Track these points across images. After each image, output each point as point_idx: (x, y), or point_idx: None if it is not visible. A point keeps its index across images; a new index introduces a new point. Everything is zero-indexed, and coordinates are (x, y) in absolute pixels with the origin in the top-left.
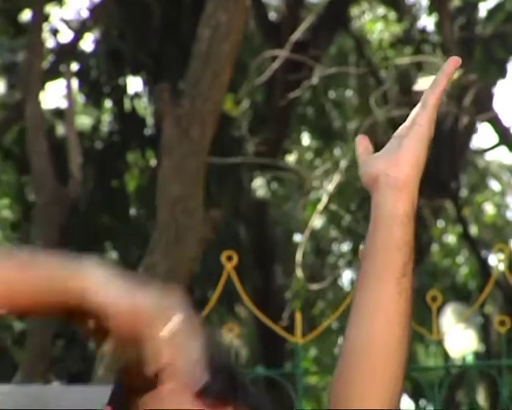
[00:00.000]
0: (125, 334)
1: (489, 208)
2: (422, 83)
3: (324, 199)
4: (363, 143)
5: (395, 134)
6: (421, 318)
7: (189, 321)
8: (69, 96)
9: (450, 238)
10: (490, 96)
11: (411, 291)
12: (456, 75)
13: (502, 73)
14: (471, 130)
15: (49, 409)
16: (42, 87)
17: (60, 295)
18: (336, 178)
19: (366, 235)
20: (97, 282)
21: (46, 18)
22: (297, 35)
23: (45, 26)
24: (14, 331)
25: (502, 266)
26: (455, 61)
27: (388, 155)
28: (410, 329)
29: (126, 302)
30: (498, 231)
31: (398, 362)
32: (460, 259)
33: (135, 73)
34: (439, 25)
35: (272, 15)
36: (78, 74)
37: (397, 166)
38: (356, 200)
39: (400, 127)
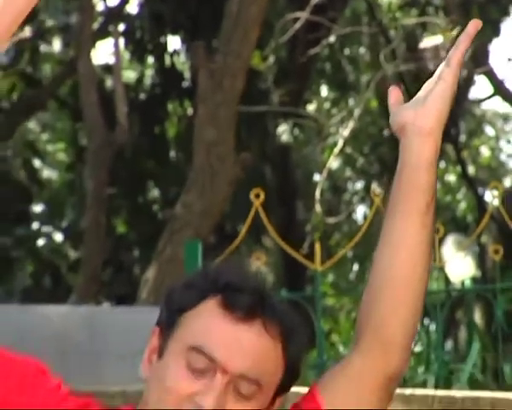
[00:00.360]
0: None
1: (485, 151)
2: (427, 42)
3: (340, 143)
4: (394, 94)
5: (423, 87)
6: None
7: None
8: (116, 53)
9: (451, 178)
10: (486, 53)
11: (433, 229)
12: (455, 34)
13: (496, 32)
14: (469, 82)
15: (99, 327)
16: (92, 45)
17: None
18: (351, 125)
19: (378, 174)
20: None
21: None
22: None
23: None
24: (69, 259)
25: (496, 202)
26: (476, 23)
27: (416, 107)
28: (431, 263)
29: None
30: (493, 171)
31: (417, 294)
32: (459, 196)
33: (174, 32)
34: None
35: None
36: (124, 34)
37: (423, 117)
38: (368, 144)
39: (427, 82)
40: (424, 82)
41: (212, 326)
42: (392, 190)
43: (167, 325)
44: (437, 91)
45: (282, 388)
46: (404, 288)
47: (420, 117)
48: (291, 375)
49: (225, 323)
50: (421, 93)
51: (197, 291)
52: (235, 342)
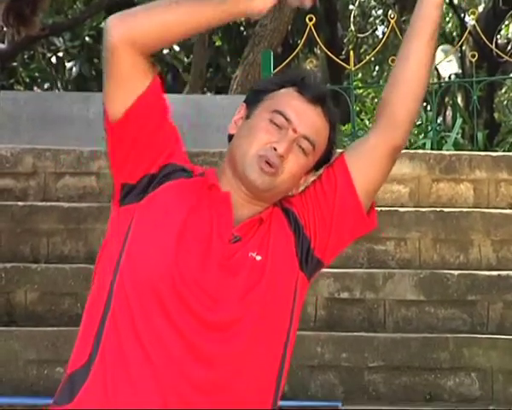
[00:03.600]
0: None
1: None
2: None
3: None
4: None
5: None
6: None
7: None
8: None
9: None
10: None
11: (435, 50)
12: None
13: None
14: None
15: (204, 109)
16: None
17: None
18: None
19: (393, 4)
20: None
21: None
22: None
23: None
24: (183, 63)
25: (472, 22)
26: None
27: None
28: (431, 70)
29: None
30: (471, 1)
31: (421, 90)
32: (447, 19)
33: None
34: None
35: None
36: None
37: None
38: None
39: None
40: None
41: (291, 101)
42: (412, 20)
43: (254, 101)
44: None
45: (318, 164)
46: (413, 84)
47: None
48: (328, 155)
49: (300, 101)
50: None
51: (280, 81)
52: (304, 114)
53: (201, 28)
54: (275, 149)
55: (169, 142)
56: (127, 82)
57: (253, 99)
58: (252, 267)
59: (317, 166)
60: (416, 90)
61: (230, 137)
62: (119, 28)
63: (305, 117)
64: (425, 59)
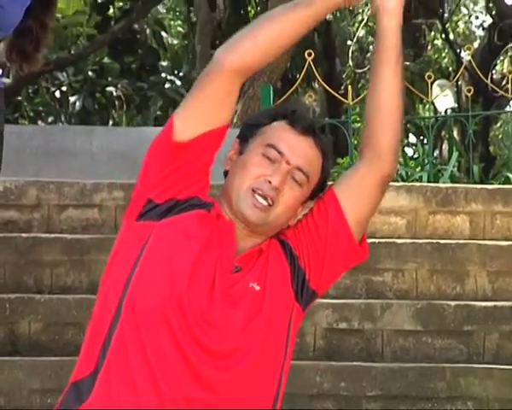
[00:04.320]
0: None
1: (461, 24)
2: None
3: (365, 19)
4: None
5: None
6: (422, 89)
7: None
8: None
9: (439, 42)
10: None
11: (402, 74)
12: None
13: None
14: None
15: None
16: None
17: (333, 6)
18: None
19: (374, 40)
20: None
21: None
22: None
23: None
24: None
25: (468, 58)
26: None
27: None
28: (403, 97)
29: None
30: (466, 37)
31: (397, 117)
32: (444, 54)
33: None
34: None
35: None
36: None
37: (388, 1)
38: None
39: None
40: None
41: (283, 134)
42: (375, 51)
43: (246, 136)
44: None
45: (314, 193)
46: (387, 114)
47: (385, 2)
48: (322, 184)
49: (291, 133)
50: None
51: (271, 115)
52: (297, 146)
53: (304, 31)
54: (269, 183)
55: (205, 178)
56: (213, 110)
57: (246, 134)
58: (252, 298)
59: (312, 196)
60: (392, 116)
61: (226, 173)
62: (231, 57)
63: (298, 149)
64: (394, 85)
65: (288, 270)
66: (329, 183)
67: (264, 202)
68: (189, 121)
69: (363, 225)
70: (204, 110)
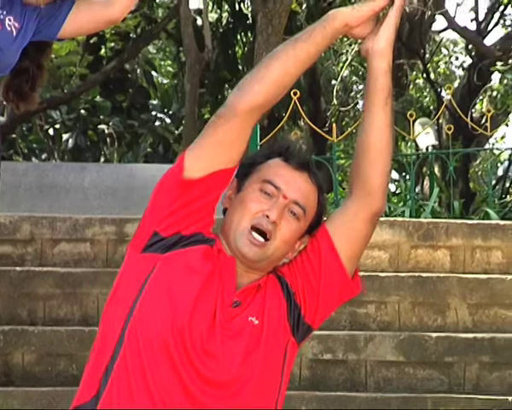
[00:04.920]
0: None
1: (442, 65)
2: None
3: (349, 59)
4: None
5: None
6: (404, 127)
7: None
8: (204, 1)
9: (420, 81)
10: (443, 0)
11: (392, 114)
12: None
13: None
14: (432, 19)
15: None
16: None
17: (329, 39)
18: (355, 47)
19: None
20: (345, 9)
21: None
22: None
23: None
24: (174, 134)
25: (448, 97)
26: None
27: (373, 37)
28: (393, 136)
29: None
30: (447, 76)
31: (386, 155)
32: (425, 93)
33: None
34: None
35: None
36: None
37: (378, 43)
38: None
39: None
40: None
41: (279, 170)
42: (366, 90)
43: (244, 175)
44: (385, 25)
45: (310, 228)
46: (377, 153)
47: (375, 44)
48: (318, 219)
49: (287, 169)
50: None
51: (267, 153)
52: (293, 180)
53: (309, 63)
54: (267, 217)
55: (210, 215)
56: (223, 151)
57: (243, 173)
58: (251, 332)
59: (309, 230)
60: (382, 155)
61: (225, 211)
62: (242, 99)
63: (294, 183)
64: (384, 125)
65: (284, 305)
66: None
67: (261, 239)
68: (200, 160)
69: (356, 261)
70: (215, 151)
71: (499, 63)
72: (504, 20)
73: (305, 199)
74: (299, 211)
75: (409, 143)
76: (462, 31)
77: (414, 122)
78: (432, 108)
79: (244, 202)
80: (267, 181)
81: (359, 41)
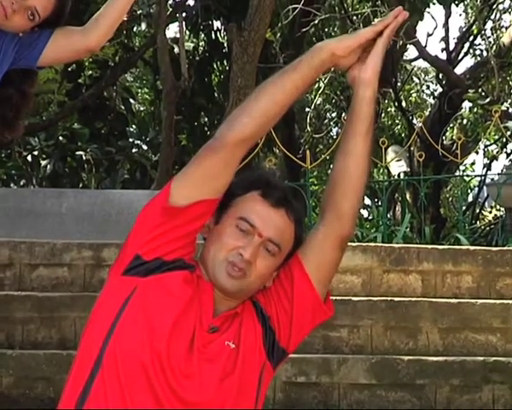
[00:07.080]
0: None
1: (413, 93)
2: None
3: (322, 87)
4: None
5: (363, 48)
6: (376, 154)
7: None
8: (181, 31)
9: (392, 110)
10: (414, 30)
11: (371, 143)
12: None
13: (421, 18)
14: (403, 48)
15: None
16: (166, 26)
17: (315, 70)
18: (328, 76)
19: (348, 108)
20: (332, 40)
21: None
22: None
23: None
24: (151, 161)
25: (420, 124)
26: (403, 14)
27: (360, 66)
28: (370, 163)
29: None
30: (418, 105)
31: (361, 184)
32: (397, 121)
33: (217, 18)
34: None
35: None
36: (185, 18)
37: (364, 72)
38: (340, 88)
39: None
40: None
41: (255, 207)
42: (347, 120)
43: (222, 206)
44: (373, 54)
45: (286, 259)
46: (352, 180)
47: (362, 72)
48: (294, 251)
49: (263, 206)
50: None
51: (245, 185)
52: (268, 218)
53: (297, 95)
54: (241, 255)
55: (192, 243)
56: (210, 181)
57: (222, 203)
58: (228, 355)
59: (287, 260)
60: (357, 182)
61: (204, 238)
62: (231, 132)
63: (269, 221)
64: (363, 153)
65: (259, 330)
66: None
67: (239, 273)
68: (186, 189)
69: (327, 283)
70: (201, 181)
71: (470, 91)
72: (474, 50)
73: (281, 236)
74: (273, 248)
75: (381, 170)
76: (432, 60)
77: (386, 149)
78: (403, 135)
79: (221, 237)
80: (243, 218)
81: (331, 70)
